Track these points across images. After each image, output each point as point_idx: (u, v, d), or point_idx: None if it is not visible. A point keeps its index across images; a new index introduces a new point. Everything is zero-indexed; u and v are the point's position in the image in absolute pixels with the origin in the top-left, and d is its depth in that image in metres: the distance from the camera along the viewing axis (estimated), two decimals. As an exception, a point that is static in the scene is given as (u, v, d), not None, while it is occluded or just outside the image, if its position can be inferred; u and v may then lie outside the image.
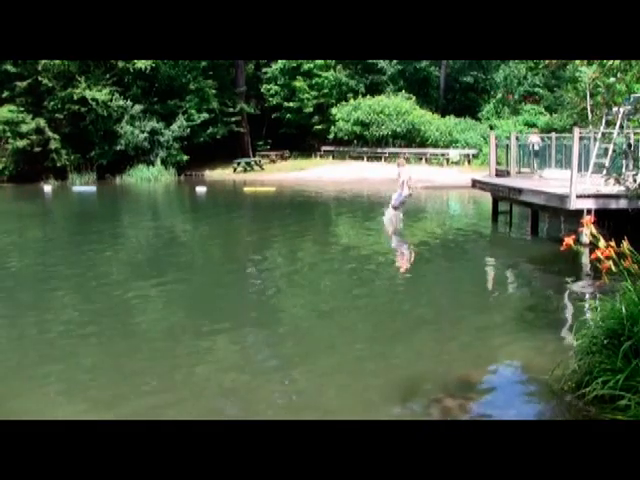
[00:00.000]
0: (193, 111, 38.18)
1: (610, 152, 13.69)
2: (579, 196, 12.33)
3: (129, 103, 36.64)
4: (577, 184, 12.49)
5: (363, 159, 39.41)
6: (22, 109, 35.43)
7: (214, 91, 39.32)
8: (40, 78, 35.10)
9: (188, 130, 37.89)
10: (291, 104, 41.07)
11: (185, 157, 38.36)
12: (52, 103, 35.69)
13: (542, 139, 21.62)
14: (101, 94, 35.47)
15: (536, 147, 20.98)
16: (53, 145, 35.63)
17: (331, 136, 40.52)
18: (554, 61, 10.84)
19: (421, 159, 38.07)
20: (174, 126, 37.68)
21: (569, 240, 5.51)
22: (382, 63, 41.10)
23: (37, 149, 35.27)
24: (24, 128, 34.91)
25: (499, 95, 40.52)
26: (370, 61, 41.04)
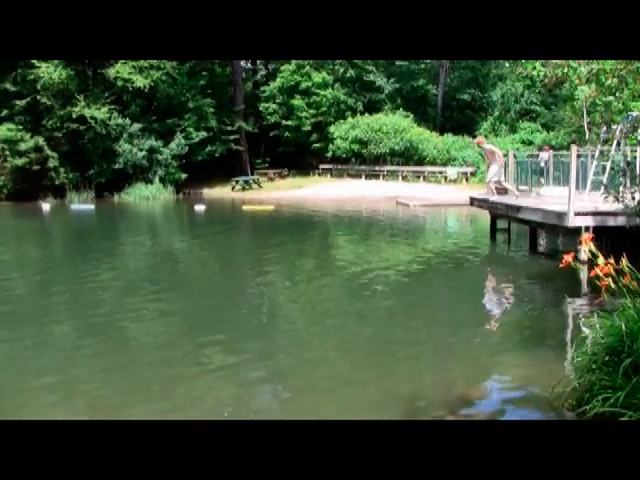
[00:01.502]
0: (191, 129, 38.25)
1: (608, 170, 13.75)
2: (577, 213, 12.35)
3: (128, 121, 36.70)
4: (575, 201, 12.52)
5: (361, 177, 39.49)
6: (21, 127, 35.46)
7: (212, 109, 39.43)
8: (39, 97, 35.18)
9: (186, 148, 37.95)
10: (289, 122, 41.21)
11: (183, 175, 38.38)
12: (51, 121, 35.75)
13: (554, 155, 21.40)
14: (100, 112, 35.56)
15: (543, 164, 20.84)
16: (52, 163, 35.64)
17: (329, 154, 40.63)
18: (553, 78, 10.87)
19: (419, 177, 38.19)
20: (172, 144, 37.74)
21: (568, 257, 5.51)
22: (380, 81, 41.33)
23: (35, 167, 35.27)
24: (23, 146, 34.94)
25: (496, 113, 40.71)
26: (368, 79, 41.30)
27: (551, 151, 22.08)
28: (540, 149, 25.36)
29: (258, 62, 49.02)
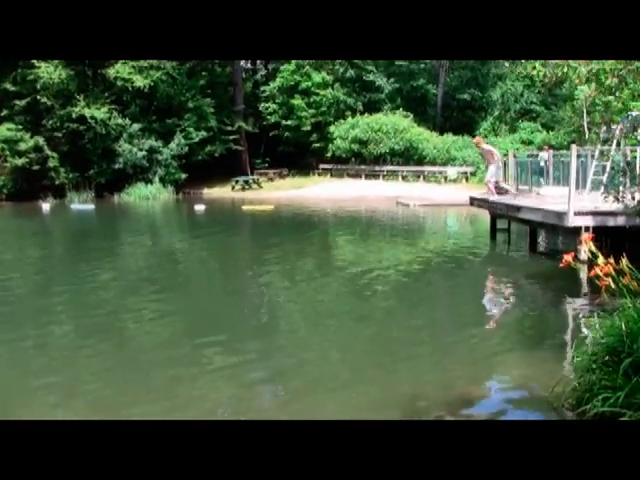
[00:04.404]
0: (191, 129, 38.24)
1: (608, 169, 13.73)
2: (577, 213, 12.34)
3: (127, 121, 36.70)
4: (575, 201, 12.51)
5: (361, 177, 39.49)
6: (21, 127, 35.45)
7: (212, 109, 39.39)
8: (39, 96, 35.17)
9: (186, 148, 37.94)
10: (289, 122, 41.18)
11: (183, 175, 38.37)
12: (51, 121, 35.77)
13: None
14: (100, 112, 35.57)
15: (542, 164, 20.76)
16: (52, 163, 35.65)
17: (329, 154, 40.61)
18: (553, 78, 10.87)
19: (419, 177, 38.19)
20: (172, 144, 37.73)
21: (568, 257, 5.51)
22: (380, 81, 41.31)
23: (35, 167, 35.27)
24: (23, 146, 34.93)
25: (496, 112, 40.70)
26: (368, 79, 41.27)
27: (551, 151, 22.01)
28: (540, 149, 25.28)
29: (258, 62, 49.00)
